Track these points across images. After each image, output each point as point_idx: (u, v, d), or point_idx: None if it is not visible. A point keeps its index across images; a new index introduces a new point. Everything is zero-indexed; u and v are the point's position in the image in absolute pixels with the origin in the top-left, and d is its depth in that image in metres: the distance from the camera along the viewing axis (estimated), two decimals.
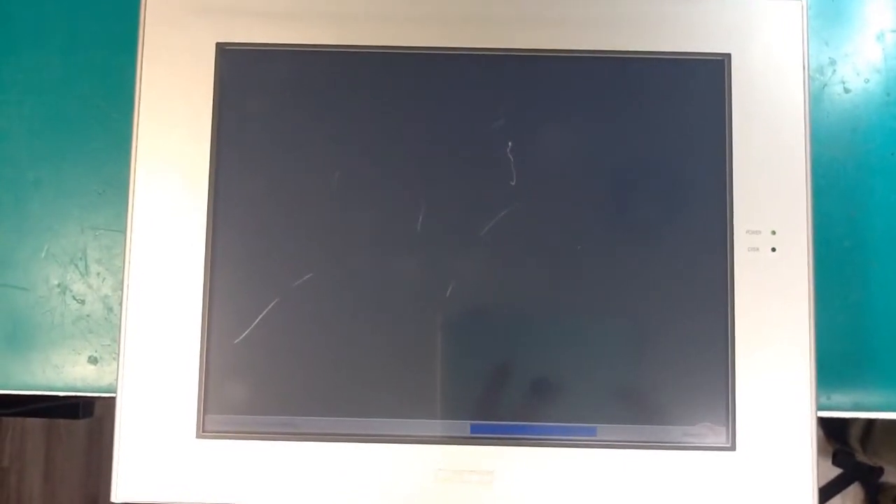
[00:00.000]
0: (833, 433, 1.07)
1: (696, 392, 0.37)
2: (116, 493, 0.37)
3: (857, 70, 0.46)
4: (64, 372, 0.44)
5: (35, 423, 1.21)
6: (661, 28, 0.39)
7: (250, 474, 0.37)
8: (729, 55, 0.39)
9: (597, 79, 0.39)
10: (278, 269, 0.38)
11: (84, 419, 1.01)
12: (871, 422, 1.01)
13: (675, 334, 0.38)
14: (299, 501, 0.37)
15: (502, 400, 0.38)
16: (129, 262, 0.38)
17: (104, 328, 0.45)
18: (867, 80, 0.46)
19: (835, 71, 0.46)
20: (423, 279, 0.38)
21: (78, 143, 0.46)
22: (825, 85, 0.46)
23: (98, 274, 0.45)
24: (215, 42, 0.39)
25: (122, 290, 0.38)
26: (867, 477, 1.13)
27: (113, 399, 0.38)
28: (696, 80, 0.39)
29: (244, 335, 0.38)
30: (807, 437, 0.37)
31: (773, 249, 0.38)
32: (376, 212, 0.38)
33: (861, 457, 1.05)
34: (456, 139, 0.39)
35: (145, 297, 0.38)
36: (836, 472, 1.11)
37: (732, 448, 0.37)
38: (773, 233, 0.38)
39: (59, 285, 0.45)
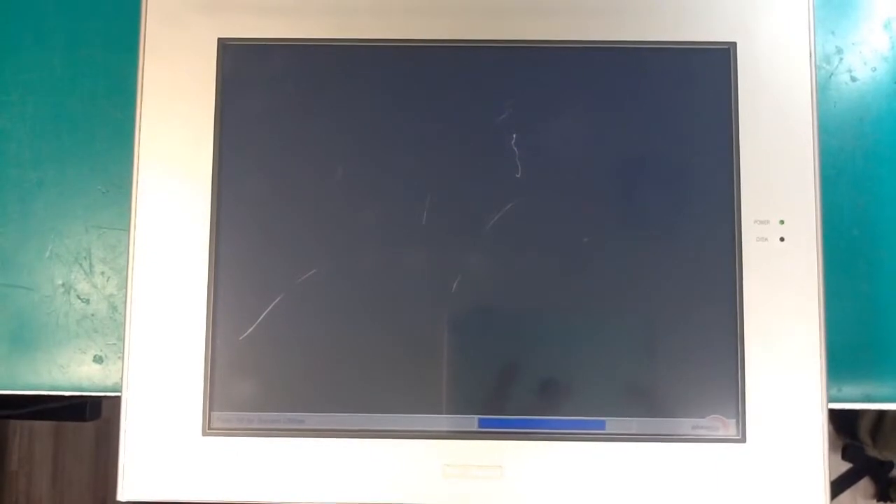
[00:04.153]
0: (843, 427, 1.07)
1: (706, 384, 0.37)
2: (123, 491, 0.37)
3: (864, 59, 0.46)
4: (69, 371, 0.44)
5: (43, 426, 1.21)
6: (667, 18, 0.39)
7: (257, 471, 0.37)
8: (735, 44, 0.39)
9: (602, 69, 0.39)
10: (283, 265, 0.38)
11: (91, 421, 1.01)
12: (881, 415, 1.01)
13: (683, 326, 0.37)
14: (306, 498, 0.37)
15: (510, 394, 0.37)
16: (133, 261, 0.38)
17: (109, 327, 0.45)
18: (874, 69, 0.46)
19: (842, 60, 0.46)
20: (428, 273, 0.38)
21: (81, 143, 0.46)
22: (832, 74, 0.46)
23: (102, 273, 0.45)
24: (217, 38, 0.39)
25: (126, 288, 0.38)
26: (878, 471, 1.12)
27: (119, 399, 0.38)
28: (702, 70, 0.39)
29: (249, 332, 0.38)
30: (818, 429, 0.37)
31: (782, 239, 0.38)
32: (381, 206, 0.38)
33: (871, 451, 1.05)
34: (460, 132, 0.39)
35: (150, 296, 0.38)
36: (847, 466, 1.10)
37: (743, 440, 0.37)
38: (782, 222, 0.38)
39: (63, 285, 0.45)
